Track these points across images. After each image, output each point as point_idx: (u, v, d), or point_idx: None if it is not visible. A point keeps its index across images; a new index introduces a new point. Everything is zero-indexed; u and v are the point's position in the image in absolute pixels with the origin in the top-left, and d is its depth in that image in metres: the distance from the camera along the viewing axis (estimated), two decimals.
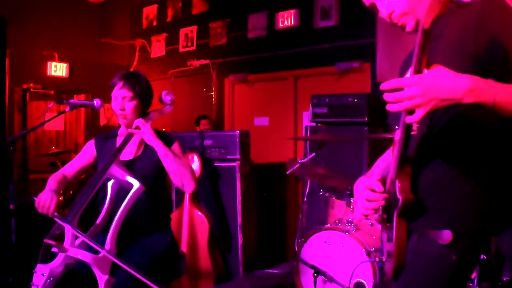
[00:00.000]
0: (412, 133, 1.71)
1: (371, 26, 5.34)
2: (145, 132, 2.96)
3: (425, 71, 1.51)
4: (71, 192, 6.43)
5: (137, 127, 2.99)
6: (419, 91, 1.46)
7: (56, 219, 2.71)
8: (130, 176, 2.83)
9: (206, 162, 5.13)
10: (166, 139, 3.14)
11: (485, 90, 1.47)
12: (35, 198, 2.81)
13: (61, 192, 3.09)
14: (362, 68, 5.96)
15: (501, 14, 1.63)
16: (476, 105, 1.47)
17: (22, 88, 7.79)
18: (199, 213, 4.88)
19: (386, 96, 1.53)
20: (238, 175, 5.10)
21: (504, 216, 1.72)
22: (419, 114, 1.48)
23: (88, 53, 8.82)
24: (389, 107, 1.54)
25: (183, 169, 2.96)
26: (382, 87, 1.54)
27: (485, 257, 3.39)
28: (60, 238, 2.67)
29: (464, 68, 1.60)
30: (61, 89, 8.21)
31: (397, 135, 1.71)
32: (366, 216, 1.88)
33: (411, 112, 1.51)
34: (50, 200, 2.78)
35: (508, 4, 1.65)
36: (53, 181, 3.00)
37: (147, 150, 3.11)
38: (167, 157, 2.94)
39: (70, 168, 3.20)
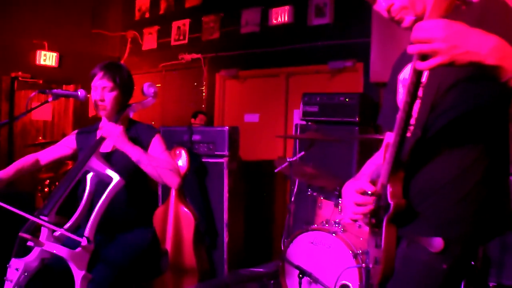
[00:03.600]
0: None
1: (365, 25, 5.27)
2: (114, 137, 2.83)
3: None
4: (56, 184, 6.33)
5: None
6: (443, 34, 1.30)
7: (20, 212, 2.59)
8: (110, 169, 2.74)
9: (193, 158, 5.05)
10: (147, 131, 3.08)
11: (510, 54, 1.34)
12: None
13: (17, 178, 3.01)
14: (355, 68, 5.92)
15: (504, 16, 1.56)
16: (495, 68, 1.34)
17: (10, 77, 7.67)
18: (185, 209, 4.81)
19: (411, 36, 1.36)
20: (226, 172, 5.03)
21: (496, 223, 1.67)
22: (434, 62, 1.32)
23: (79, 43, 8.71)
24: (409, 48, 1.37)
25: (161, 170, 2.85)
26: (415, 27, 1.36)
27: (473, 262, 3.35)
28: (36, 231, 2.57)
29: (464, 72, 1.55)
30: (50, 78, 8.09)
31: (391, 138, 1.64)
32: (354, 220, 1.81)
33: (424, 58, 1.35)
34: None
35: (510, 6, 1.59)
36: (16, 164, 3.01)
37: None
38: (141, 162, 2.84)
39: (46, 155, 3.15)
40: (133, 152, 2.84)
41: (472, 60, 1.31)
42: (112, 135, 2.82)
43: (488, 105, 1.56)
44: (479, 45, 1.30)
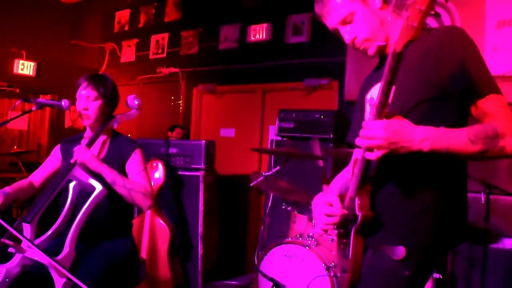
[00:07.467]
0: None
1: (341, 44, 5.29)
2: (87, 161, 2.86)
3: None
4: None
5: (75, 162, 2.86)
6: (383, 134, 1.57)
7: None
8: (93, 178, 2.79)
9: (170, 170, 5.11)
10: (128, 144, 3.14)
11: (438, 138, 1.58)
12: None
13: (18, 198, 3.01)
14: (330, 86, 6.02)
15: (463, 44, 1.69)
16: (432, 151, 1.59)
17: None
18: (161, 221, 4.86)
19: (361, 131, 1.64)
20: (201, 185, 5.09)
21: (456, 233, 1.79)
22: (378, 154, 1.60)
23: (57, 53, 8.71)
24: (357, 141, 1.64)
25: (134, 193, 2.91)
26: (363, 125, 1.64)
27: (441, 277, 3.45)
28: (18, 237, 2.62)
29: (425, 94, 1.67)
30: (27, 88, 8.07)
31: (359, 154, 1.75)
32: (325, 231, 1.91)
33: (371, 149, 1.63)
34: None
35: (469, 35, 1.71)
36: (13, 185, 2.98)
37: (111, 153, 3.10)
38: (116, 184, 2.88)
39: (37, 175, 3.19)
40: (108, 174, 2.88)
41: (407, 151, 1.60)
42: (84, 159, 2.85)
43: (446, 125, 1.66)
44: (411, 140, 1.58)
